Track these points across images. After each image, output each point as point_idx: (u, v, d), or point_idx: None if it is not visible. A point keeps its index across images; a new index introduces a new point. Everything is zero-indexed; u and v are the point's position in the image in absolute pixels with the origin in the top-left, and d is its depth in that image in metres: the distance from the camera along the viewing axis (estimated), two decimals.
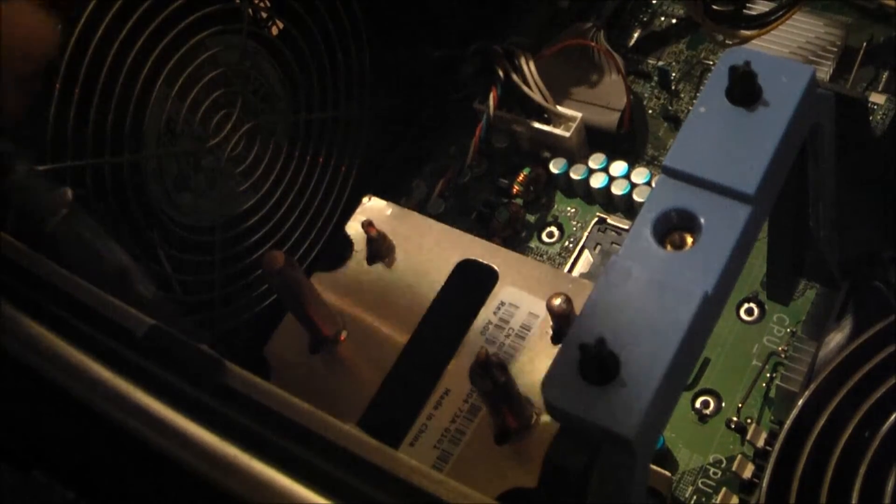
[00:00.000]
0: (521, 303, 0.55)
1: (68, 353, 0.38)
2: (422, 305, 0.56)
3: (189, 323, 0.59)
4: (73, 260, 0.49)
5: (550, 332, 0.54)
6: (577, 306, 0.52)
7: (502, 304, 0.55)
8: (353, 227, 0.60)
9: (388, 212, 0.60)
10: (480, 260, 0.57)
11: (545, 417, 0.50)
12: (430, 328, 0.56)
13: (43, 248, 0.47)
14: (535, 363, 0.53)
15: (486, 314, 0.55)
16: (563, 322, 0.52)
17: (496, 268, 0.57)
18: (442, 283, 0.57)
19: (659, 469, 0.57)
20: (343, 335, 0.56)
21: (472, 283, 0.57)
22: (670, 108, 0.76)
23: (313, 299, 0.55)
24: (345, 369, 0.56)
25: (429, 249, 0.58)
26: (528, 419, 0.50)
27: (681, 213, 0.42)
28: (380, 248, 0.58)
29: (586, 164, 0.73)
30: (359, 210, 0.61)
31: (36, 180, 0.45)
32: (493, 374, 0.47)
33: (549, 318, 0.53)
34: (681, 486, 0.60)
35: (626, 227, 0.70)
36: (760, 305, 0.66)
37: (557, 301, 0.51)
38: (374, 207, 0.60)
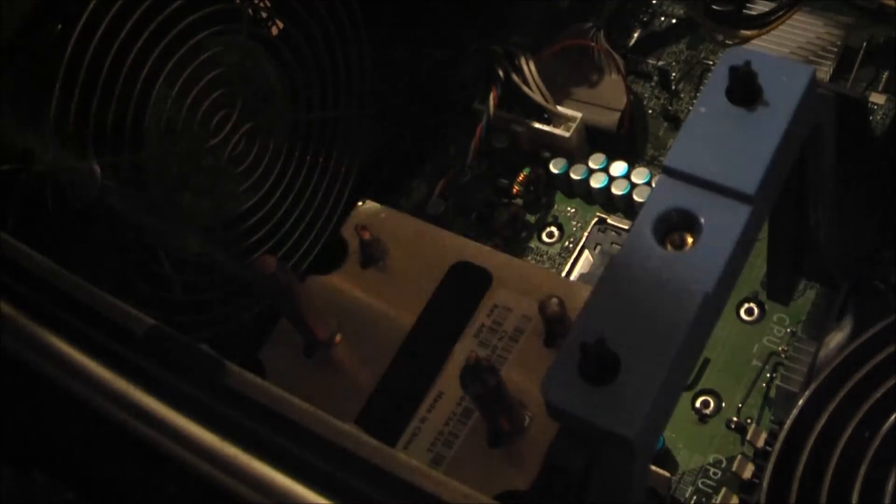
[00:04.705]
0: (515, 305, 0.55)
1: (68, 353, 0.38)
2: (415, 308, 0.56)
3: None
4: (114, 231, 0.49)
5: (543, 334, 0.54)
6: (571, 309, 0.52)
7: (496, 306, 0.55)
8: (348, 231, 0.60)
9: (383, 215, 0.60)
10: (474, 262, 0.57)
11: (538, 420, 0.50)
12: (423, 331, 0.56)
13: (79, 224, 0.48)
14: (527, 366, 0.53)
15: (479, 317, 0.55)
16: (555, 325, 0.52)
17: (490, 270, 0.57)
18: (436, 285, 0.57)
19: (658, 469, 0.57)
20: (337, 339, 0.56)
21: (465, 286, 0.57)
22: (670, 108, 0.76)
23: (306, 304, 0.55)
24: (339, 373, 0.56)
25: (422, 252, 0.58)
26: (520, 422, 0.50)
27: (681, 213, 0.42)
28: (374, 251, 0.58)
29: (586, 164, 0.73)
30: (353, 213, 0.61)
31: (67, 160, 0.45)
32: (483, 377, 0.47)
33: (541, 320, 0.53)
34: (681, 486, 0.60)
35: (626, 227, 0.70)
36: (760, 305, 0.66)
37: (550, 304, 0.51)
38: (368, 211, 0.60)
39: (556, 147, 0.73)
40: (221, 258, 0.55)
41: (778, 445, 0.50)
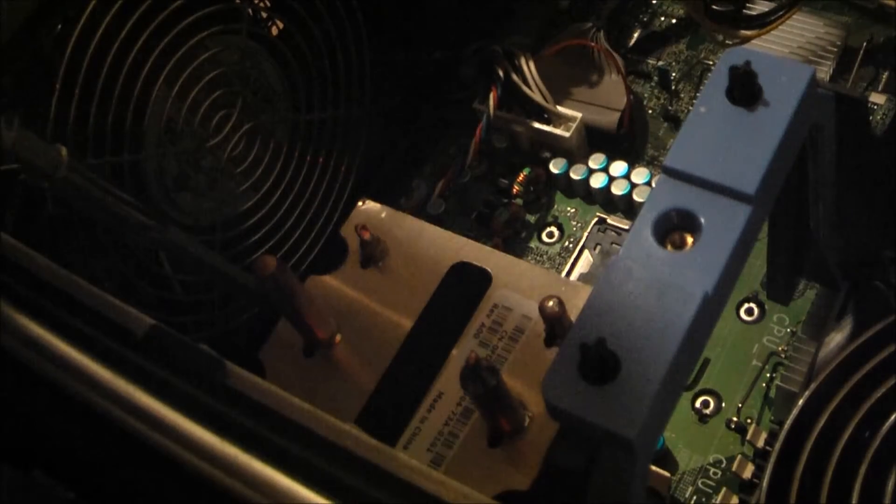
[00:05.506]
0: (515, 305, 0.55)
1: (68, 353, 0.38)
2: (416, 308, 0.56)
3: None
4: (81, 211, 0.49)
5: (543, 334, 0.54)
6: (571, 309, 0.52)
7: (496, 306, 0.55)
8: (348, 231, 0.60)
9: (383, 215, 0.60)
10: (474, 262, 0.57)
11: (538, 420, 0.50)
12: (423, 331, 0.56)
13: (47, 208, 0.48)
14: (527, 366, 0.53)
15: (479, 317, 0.55)
16: (555, 325, 0.52)
17: (489, 270, 0.57)
18: (436, 285, 0.57)
19: (658, 469, 0.57)
20: (337, 338, 0.56)
21: (465, 286, 0.57)
22: (670, 108, 0.76)
23: (306, 303, 0.55)
24: (339, 373, 0.55)
25: (423, 252, 0.58)
26: (520, 422, 0.50)
27: (681, 213, 0.42)
28: (374, 251, 0.58)
29: (586, 164, 0.73)
30: (353, 213, 0.61)
31: (31, 141, 0.45)
32: (483, 377, 0.47)
33: (541, 320, 0.53)
34: (681, 486, 0.60)
35: (626, 227, 0.70)
36: (760, 305, 0.66)
37: (550, 304, 0.51)
38: (368, 211, 0.60)
39: (556, 147, 0.73)
40: (218, 260, 0.55)
41: (778, 445, 0.50)
